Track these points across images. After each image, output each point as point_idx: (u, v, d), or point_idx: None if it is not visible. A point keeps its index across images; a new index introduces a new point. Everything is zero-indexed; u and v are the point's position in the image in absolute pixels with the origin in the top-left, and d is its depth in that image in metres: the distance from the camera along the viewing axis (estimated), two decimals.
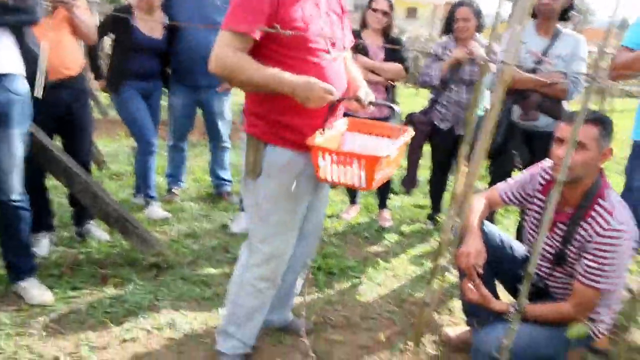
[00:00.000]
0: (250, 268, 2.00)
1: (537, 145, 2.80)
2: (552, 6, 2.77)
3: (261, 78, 1.67)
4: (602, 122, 1.85)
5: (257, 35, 1.67)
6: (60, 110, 2.82)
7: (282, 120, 1.80)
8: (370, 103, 1.90)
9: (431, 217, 3.78)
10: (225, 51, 1.68)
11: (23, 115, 2.31)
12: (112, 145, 5.33)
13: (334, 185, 2.95)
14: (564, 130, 1.89)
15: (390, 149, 1.76)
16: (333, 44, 1.83)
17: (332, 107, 1.77)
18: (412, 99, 9.14)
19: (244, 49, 1.68)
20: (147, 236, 2.84)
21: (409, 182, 3.58)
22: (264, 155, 1.83)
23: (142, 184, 3.65)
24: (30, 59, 2.35)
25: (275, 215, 1.90)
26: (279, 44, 1.72)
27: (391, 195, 4.03)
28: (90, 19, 2.95)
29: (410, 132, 1.91)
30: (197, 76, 3.53)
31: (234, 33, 1.68)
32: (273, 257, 1.97)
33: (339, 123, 1.95)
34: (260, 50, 1.72)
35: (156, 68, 3.51)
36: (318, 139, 1.75)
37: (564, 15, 2.88)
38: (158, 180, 3.89)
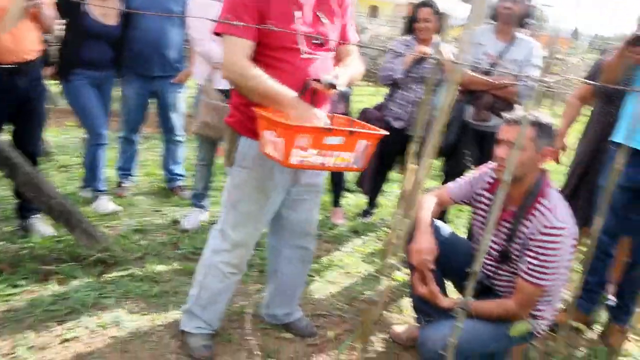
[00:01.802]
0: (220, 253, 2.06)
1: (488, 146, 2.85)
2: (512, 11, 2.84)
3: (265, 87, 1.74)
4: (539, 124, 1.91)
5: (253, 38, 1.76)
6: (17, 97, 2.72)
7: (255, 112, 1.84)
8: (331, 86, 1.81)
9: (366, 212, 3.82)
10: (234, 56, 1.75)
11: None
12: (61, 136, 5.14)
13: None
14: (503, 131, 1.96)
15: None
16: (315, 44, 1.85)
17: (305, 93, 1.79)
18: (371, 98, 9.19)
19: (249, 53, 1.76)
20: (93, 231, 2.75)
21: (364, 184, 3.57)
22: (237, 146, 1.92)
23: (90, 177, 3.52)
24: None
25: (244, 205, 1.98)
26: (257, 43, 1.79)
27: (346, 194, 4.05)
28: (52, 12, 2.84)
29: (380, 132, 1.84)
30: (151, 66, 3.45)
31: (238, 38, 1.74)
32: (240, 245, 2.04)
33: None
34: None
35: (109, 56, 3.37)
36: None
37: (522, 22, 2.95)
38: (108, 173, 3.77)
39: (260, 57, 1.80)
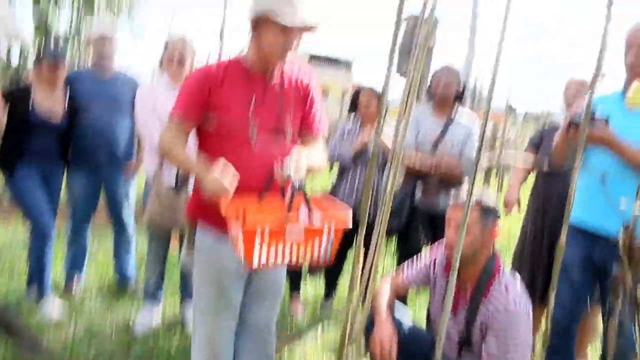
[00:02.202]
0: (193, 352, 2.03)
1: (440, 226, 2.90)
2: (447, 91, 2.99)
3: (181, 162, 1.91)
4: (481, 204, 1.98)
5: (193, 120, 1.87)
6: None
7: (208, 201, 1.82)
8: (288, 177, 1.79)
9: (327, 296, 3.71)
10: (163, 133, 1.90)
11: None
12: (5, 233, 4.92)
13: None
14: (450, 213, 2.03)
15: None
16: (270, 133, 1.87)
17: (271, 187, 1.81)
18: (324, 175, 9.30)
19: (182, 131, 1.88)
20: (35, 340, 2.57)
21: (318, 270, 3.50)
22: (194, 233, 1.96)
23: (36, 277, 3.34)
24: None
25: (205, 292, 1.97)
26: (205, 128, 1.89)
27: (305, 278, 3.98)
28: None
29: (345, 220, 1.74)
30: (100, 157, 3.40)
31: (171, 118, 1.88)
32: (209, 341, 1.97)
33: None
34: (198, 132, 1.93)
35: (55, 148, 3.30)
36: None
37: (457, 100, 3.09)
38: (56, 268, 3.59)
39: (215, 146, 1.85)
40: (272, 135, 1.89)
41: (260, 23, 1.80)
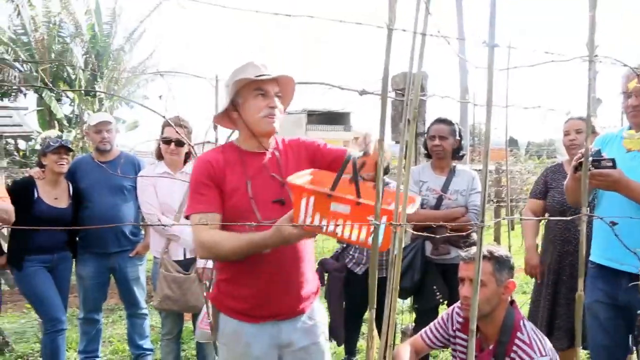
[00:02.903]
0: None
1: (453, 279, 2.86)
2: (442, 148, 3.01)
3: (237, 245, 1.68)
4: (494, 257, 1.94)
5: (218, 210, 1.77)
6: None
7: (229, 290, 1.85)
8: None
9: None
10: (198, 234, 1.74)
11: None
12: (19, 322, 4.88)
13: None
14: (462, 269, 1.98)
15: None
16: (277, 207, 1.79)
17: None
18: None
19: (214, 225, 1.74)
20: None
21: (337, 333, 3.39)
22: (217, 322, 1.90)
23: None
24: None
25: None
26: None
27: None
28: (8, 204, 2.84)
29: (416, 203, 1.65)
30: (107, 242, 3.40)
31: (198, 214, 1.76)
32: None
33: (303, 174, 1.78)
34: None
35: (62, 238, 3.33)
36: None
37: (455, 154, 3.10)
38: (71, 356, 3.53)
39: (225, 228, 1.78)
40: (277, 207, 1.83)
41: (237, 99, 1.82)
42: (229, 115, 1.86)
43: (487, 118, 1.24)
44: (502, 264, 1.95)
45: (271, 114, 1.79)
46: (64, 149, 3.23)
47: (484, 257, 1.91)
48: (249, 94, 1.79)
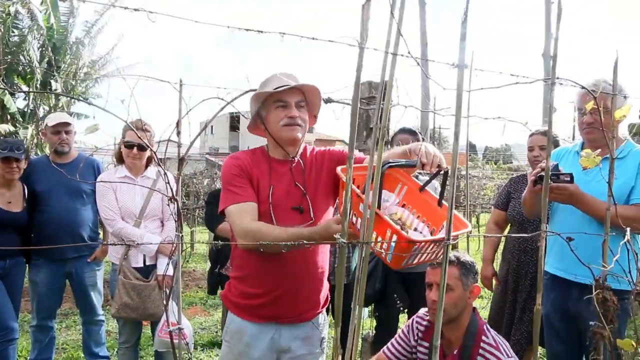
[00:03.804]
0: None
1: (415, 287, 2.89)
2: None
3: (282, 235, 1.68)
4: (461, 263, 1.99)
5: (254, 199, 1.81)
6: None
7: (240, 288, 1.91)
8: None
9: None
10: (241, 221, 1.76)
11: None
12: None
13: None
14: (430, 274, 2.02)
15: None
16: (298, 216, 1.84)
17: None
18: None
19: (254, 216, 1.78)
20: None
21: None
22: (226, 312, 1.97)
23: None
24: None
25: None
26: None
27: None
28: None
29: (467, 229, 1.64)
30: (64, 248, 3.27)
31: (239, 204, 1.79)
32: None
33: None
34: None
35: (15, 243, 3.17)
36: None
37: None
38: None
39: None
40: (296, 214, 1.86)
41: (262, 112, 1.89)
42: (259, 125, 1.95)
43: (455, 138, 1.26)
44: (467, 269, 2.01)
45: (291, 122, 1.84)
46: (17, 152, 3.07)
47: (451, 262, 1.97)
48: (270, 106, 1.87)
